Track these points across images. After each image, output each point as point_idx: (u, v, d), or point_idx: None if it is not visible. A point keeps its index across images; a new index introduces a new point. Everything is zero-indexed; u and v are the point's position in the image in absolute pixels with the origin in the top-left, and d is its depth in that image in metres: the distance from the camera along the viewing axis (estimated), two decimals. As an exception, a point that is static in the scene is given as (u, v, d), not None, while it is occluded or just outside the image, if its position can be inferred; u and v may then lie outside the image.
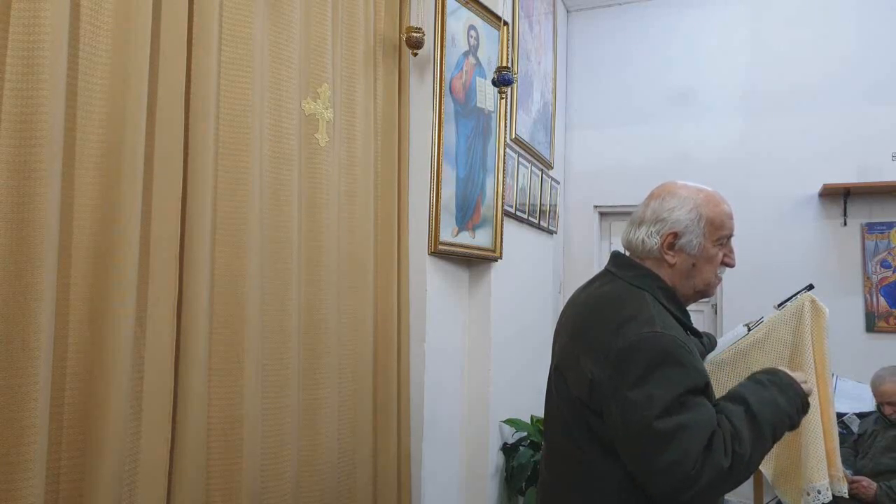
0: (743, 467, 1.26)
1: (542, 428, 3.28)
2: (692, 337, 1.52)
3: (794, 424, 1.38)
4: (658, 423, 1.23)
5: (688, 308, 1.53)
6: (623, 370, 1.28)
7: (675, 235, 1.44)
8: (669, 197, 1.48)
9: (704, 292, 1.50)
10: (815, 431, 1.95)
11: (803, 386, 1.40)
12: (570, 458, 1.43)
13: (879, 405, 3.23)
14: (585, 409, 1.36)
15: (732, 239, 1.52)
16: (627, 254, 1.54)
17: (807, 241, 4.17)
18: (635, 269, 1.47)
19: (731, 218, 1.50)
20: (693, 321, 1.54)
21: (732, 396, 1.36)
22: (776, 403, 1.34)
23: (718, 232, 1.46)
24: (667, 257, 1.45)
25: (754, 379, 1.41)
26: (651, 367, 1.27)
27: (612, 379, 1.29)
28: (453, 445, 3.04)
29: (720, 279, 1.53)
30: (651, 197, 1.52)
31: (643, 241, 1.47)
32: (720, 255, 1.48)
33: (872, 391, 3.27)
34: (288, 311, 2.06)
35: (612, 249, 1.57)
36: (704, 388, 1.32)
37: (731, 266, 1.52)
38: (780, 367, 1.46)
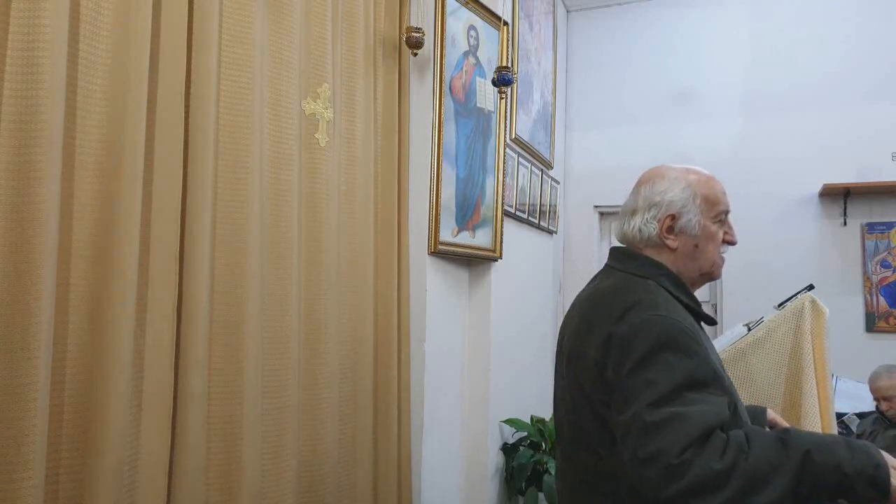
0: (742, 487, 1.09)
1: (541, 428, 3.29)
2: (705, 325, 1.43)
3: (849, 485, 1.11)
4: (649, 411, 1.14)
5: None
6: (624, 355, 1.21)
7: (674, 217, 1.38)
8: (659, 180, 1.42)
9: (711, 274, 1.42)
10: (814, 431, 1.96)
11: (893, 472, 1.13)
12: (581, 459, 1.35)
13: (877, 402, 3.23)
14: (599, 405, 1.28)
15: (730, 216, 1.45)
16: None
17: (807, 241, 4.17)
18: (636, 260, 1.41)
19: (724, 194, 1.45)
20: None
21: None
22: (826, 445, 1.14)
23: (715, 208, 1.40)
24: (668, 242, 1.39)
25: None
26: (651, 351, 1.19)
27: (615, 365, 1.22)
28: (453, 445, 3.04)
29: (724, 259, 1.46)
30: (640, 184, 1.46)
31: (640, 229, 1.40)
32: (721, 232, 1.41)
33: (869, 388, 3.28)
34: (288, 311, 2.06)
35: (611, 246, 1.50)
36: (713, 381, 1.22)
37: (733, 243, 1.45)
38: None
